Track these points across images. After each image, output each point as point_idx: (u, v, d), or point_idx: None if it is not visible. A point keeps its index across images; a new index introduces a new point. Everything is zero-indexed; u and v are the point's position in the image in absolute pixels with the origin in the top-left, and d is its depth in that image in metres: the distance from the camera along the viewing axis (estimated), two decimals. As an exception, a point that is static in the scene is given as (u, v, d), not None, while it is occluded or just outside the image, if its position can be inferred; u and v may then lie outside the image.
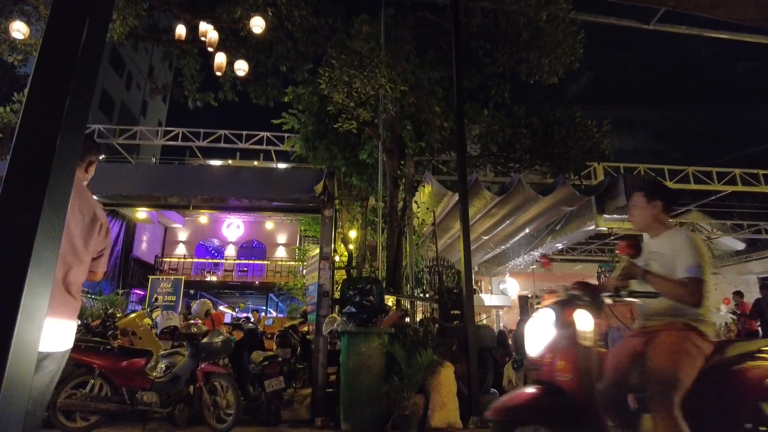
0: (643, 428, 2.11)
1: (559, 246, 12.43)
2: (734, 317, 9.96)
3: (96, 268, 2.40)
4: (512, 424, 2.03)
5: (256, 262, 22.10)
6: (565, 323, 2.14)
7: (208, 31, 7.52)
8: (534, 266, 16.44)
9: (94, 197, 2.63)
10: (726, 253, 18.62)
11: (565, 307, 2.19)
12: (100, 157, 2.67)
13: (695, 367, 2.09)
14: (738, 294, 10.12)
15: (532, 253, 12.93)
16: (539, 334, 2.23)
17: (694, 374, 2.07)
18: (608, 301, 2.20)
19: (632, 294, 2.20)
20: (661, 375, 2.03)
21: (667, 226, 2.46)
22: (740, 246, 17.95)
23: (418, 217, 8.91)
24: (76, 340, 4.88)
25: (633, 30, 7.61)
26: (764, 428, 2.13)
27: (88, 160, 2.44)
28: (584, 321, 2.12)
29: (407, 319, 7.48)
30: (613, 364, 2.30)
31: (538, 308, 2.36)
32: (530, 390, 2.14)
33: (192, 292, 20.12)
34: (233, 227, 22.89)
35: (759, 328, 8.62)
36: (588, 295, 2.18)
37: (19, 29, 7.25)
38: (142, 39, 10.60)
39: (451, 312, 6.97)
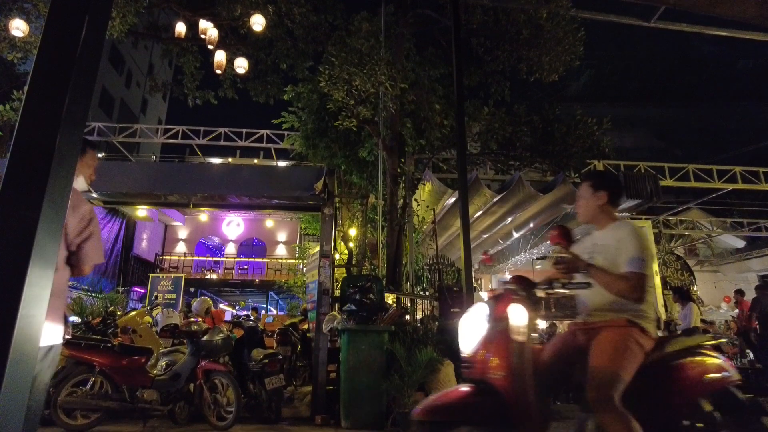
0: (587, 429, 2.02)
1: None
2: (733, 316, 9.99)
3: (79, 262, 2.16)
4: (441, 425, 1.91)
5: (257, 260, 22.13)
6: (499, 318, 2.05)
7: (208, 29, 7.52)
8: (534, 264, 16.46)
9: (94, 195, 2.59)
10: (726, 251, 18.64)
11: (499, 301, 2.11)
12: (96, 155, 2.55)
13: (635, 364, 2.03)
14: (739, 292, 10.14)
15: (532, 250, 12.93)
16: (473, 330, 2.13)
17: (633, 371, 2.01)
18: (541, 294, 2.14)
19: (565, 285, 2.14)
20: (602, 373, 1.96)
21: (613, 218, 2.38)
22: (740, 244, 17.97)
23: (418, 215, 8.91)
24: (77, 338, 4.92)
25: (633, 28, 7.60)
26: (701, 425, 2.09)
27: None
28: (518, 315, 2.04)
29: (407, 317, 7.50)
30: (552, 360, 2.22)
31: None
32: (462, 389, 2.04)
33: (192, 290, 20.14)
34: (233, 225, 22.91)
35: (757, 326, 8.62)
36: (524, 289, 2.11)
37: (18, 27, 7.24)
38: (141, 36, 10.61)
39: (451, 310, 6.98)
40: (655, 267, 9.19)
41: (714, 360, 2.17)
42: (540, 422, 1.96)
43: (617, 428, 1.85)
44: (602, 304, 2.19)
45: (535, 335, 2.14)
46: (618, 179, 2.60)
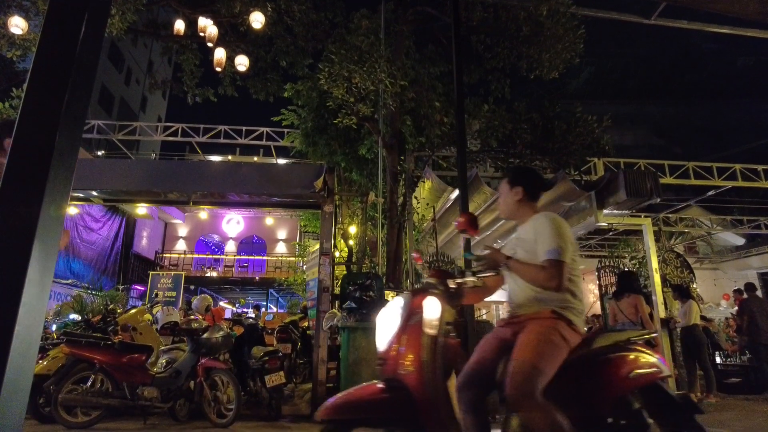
0: (510, 428, 1.92)
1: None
2: (733, 313, 10.00)
3: None
4: (345, 424, 1.80)
5: (257, 257, 22.13)
6: (413, 311, 1.98)
7: (207, 26, 7.50)
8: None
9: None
10: (726, 248, 18.65)
11: (416, 294, 2.04)
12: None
13: (558, 358, 1.93)
14: (738, 291, 10.15)
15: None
16: (388, 325, 2.04)
17: (556, 366, 1.91)
18: (452, 284, 2.07)
19: (474, 273, 2.10)
20: (522, 366, 1.86)
21: (533, 212, 2.32)
22: (740, 241, 17.97)
23: (417, 213, 8.91)
24: (78, 336, 4.92)
25: (634, 25, 7.59)
26: (624, 422, 2.02)
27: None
28: (432, 309, 1.96)
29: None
30: (478, 357, 2.11)
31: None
32: (371, 386, 1.94)
33: (192, 287, 20.17)
34: (233, 223, 22.91)
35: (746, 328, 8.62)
36: (441, 283, 2.05)
37: (17, 24, 7.22)
38: (141, 34, 10.59)
39: (451, 307, 6.98)
40: (655, 265, 9.16)
41: (643, 355, 2.10)
42: (449, 421, 1.86)
43: (542, 423, 1.76)
44: (527, 297, 2.14)
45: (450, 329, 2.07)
46: (534, 173, 2.49)
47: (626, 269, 9.38)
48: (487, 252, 2.17)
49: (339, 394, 1.91)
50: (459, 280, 2.09)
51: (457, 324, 6.18)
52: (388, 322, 2.06)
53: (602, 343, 2.10)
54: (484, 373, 2.04)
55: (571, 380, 1.97)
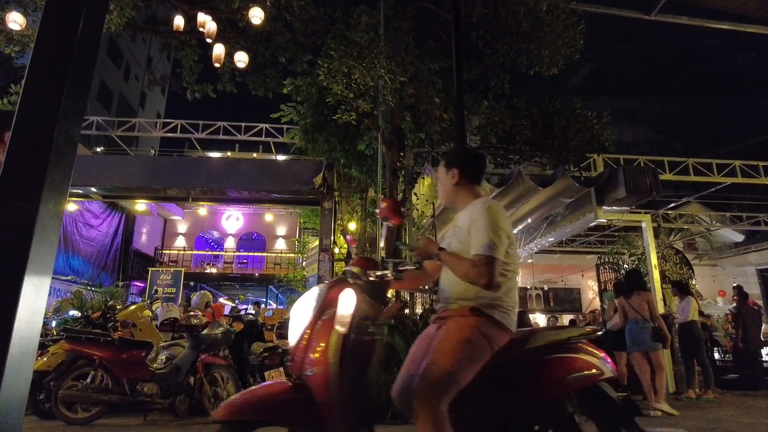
0: None
1: (559, 238, 12.43)
2: (731, 309, 10.04)
3: None
4: (245, 425, 1.68)
5: (256, 254, 22.15)
6: (327, 304, 1.81)
7: (207, 22, 7.47)
8: (531, 260, 16.51)
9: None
10: (725, 245, 18.68)
11: (333, 285, 1.86)
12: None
13: (478, 360, 1.76)
14: (738, 288, 10.19)
15: (530, 245, 12.94)
16: (300, 319, 1.89)
17: (474, 369, 1.74)
18: (372, 276, 1.87)
19: (395, 267, 1.90)
20: (431, 368, 1.70)
21: (474, 196, 2.11)
22: (739, 238, 18.00)
23: (417, 209, 8.90)
24: (77, 332, 4.93)
25: (634, 21, 7.59)
26: (552, 430, 1.88)
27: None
28: (346, 302, 1.78)
29: (407, 311, 7.52)
30: (408, 362, 1.94)
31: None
32: (276, 385, 1.84)
33: (192, 284, 20.19)
34: (233, 219, 22.91)
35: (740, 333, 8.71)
36: (365, 273, 1.85)
37: (15, 20, 7.19)
38: (139, 30, 10.50)
39: (451, 303, 7.00)
40: (654, 261, 9.18)
41: (583, 356, 1.94)
42: (355, 425, 1.74)
43: None
44: (456, 292, 1.96)
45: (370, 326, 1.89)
46: (473, 154, 2.31)
47: (633, 267, 9.41)
48: (419, 242, 2.01)
49: (241, 392, 1.79)
50: (379, 273, 1.90)
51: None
52: (301, 315, 1.90)
53: (537, 344, 1.93)
54: (413, 376, 1.86)
55: (498, 384, 1.83)
